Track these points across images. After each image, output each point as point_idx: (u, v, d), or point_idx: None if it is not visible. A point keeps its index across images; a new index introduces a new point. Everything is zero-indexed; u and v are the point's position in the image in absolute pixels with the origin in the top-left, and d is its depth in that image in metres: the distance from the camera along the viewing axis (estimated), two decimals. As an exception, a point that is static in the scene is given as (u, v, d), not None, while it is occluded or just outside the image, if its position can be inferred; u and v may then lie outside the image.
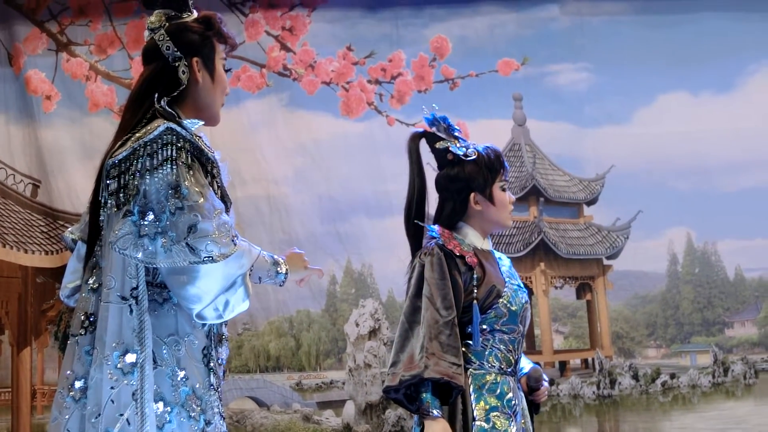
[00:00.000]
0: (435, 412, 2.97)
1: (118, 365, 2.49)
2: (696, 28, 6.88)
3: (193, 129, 2.66)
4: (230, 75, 2.95)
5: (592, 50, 6.95)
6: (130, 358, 2.50)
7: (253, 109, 6.98)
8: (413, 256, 3.25)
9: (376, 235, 6.66)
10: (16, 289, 6.66)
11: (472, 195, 3.24)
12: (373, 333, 6.85)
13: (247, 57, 6.99)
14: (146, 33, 2.85)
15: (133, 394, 2.49)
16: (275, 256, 2.76)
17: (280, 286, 2.80)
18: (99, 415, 2.48)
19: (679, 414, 6.74)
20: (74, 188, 6.77)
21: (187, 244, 2.49)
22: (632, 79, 6.88)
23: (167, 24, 2.81)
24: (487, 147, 3.31)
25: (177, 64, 2.77)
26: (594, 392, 6.78)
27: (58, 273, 6.52)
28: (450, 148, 3.26)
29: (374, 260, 6.91)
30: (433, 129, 3.30)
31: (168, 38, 2.78)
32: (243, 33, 6.99)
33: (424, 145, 3.31)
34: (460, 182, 3.25)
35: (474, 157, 3.26)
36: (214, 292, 2.54)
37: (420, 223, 3.24)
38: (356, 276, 7.00)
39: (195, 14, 2.89)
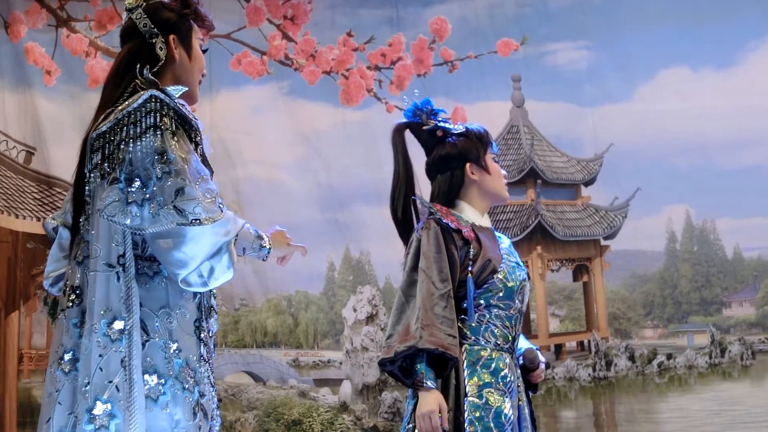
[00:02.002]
0: (429, 383, 2.98)
1: (106, 333, 2.52)
2: (696, 3, 6.79)
3: (176, 96, 2.70)
4: (206, 55, 2.99)
5: (592, 28, 6.90)
6: (118, 325, 2.53)
7: (254, 94, 7.02)
8: (404, 241, 3.27)
9: (375, 223, 6.64)
10: (6, 253, 6.69)
11: (468, 165, 3.27)
12: (370, 319, 6.87)
13: (248, 42, 6.99)
14: (124, 15, 2.89)
15: (122, 361, 2.51)
16: (259, 231, 2.78)
17: (263, 260, 2.82)
18: (89, 383, 2.50)
19: (676, 395, 6.70)
20: (72, 161, 6.78)
21: (174, 206, 2.52)
22: (632, 56, 6.82)
23: (144, 3, 2.85)
24: (474, 124, 3.37)
25: (154, 41, 2.81)
26: (590, 374, 6.74)
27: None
28: (438, 125, 3.30)
29: (372, 247, 6.95)
30: (416, 120, 3.33)
31: (145, 16, 2.83)
32: (245, 19, 7.01)
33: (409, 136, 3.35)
34: (454, 156, 3.27)
35: (463, 130, 3.31)
36: (199, 258, 2.56)
37: (417, 198, 3.26)
38: (354, 263, 7.03)
39: None
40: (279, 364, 7.03)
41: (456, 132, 3.30)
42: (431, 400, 2.97)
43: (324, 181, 6.97)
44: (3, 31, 6.99)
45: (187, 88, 2.79)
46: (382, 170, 6.48)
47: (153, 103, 2.61)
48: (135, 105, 2.61)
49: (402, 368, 3.04)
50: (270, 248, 2.79)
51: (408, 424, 3.10)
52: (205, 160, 2.77)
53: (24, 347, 6.88)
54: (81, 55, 7.03)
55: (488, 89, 6.95)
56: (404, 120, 3.34)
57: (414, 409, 3.04)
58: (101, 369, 2.49)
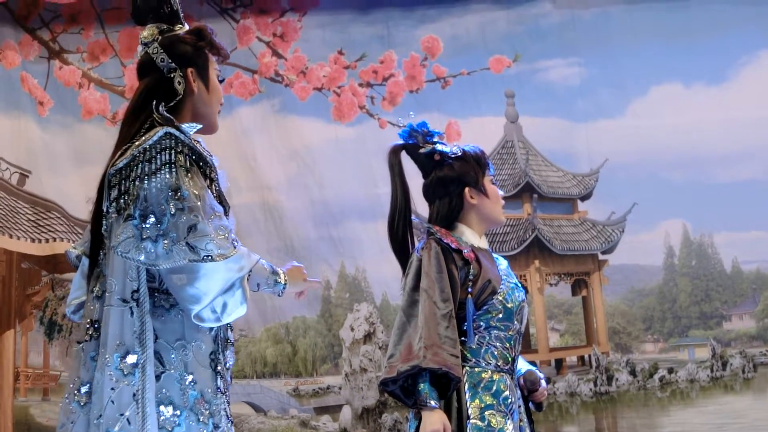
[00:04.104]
0: (433, 402, 2.94)
1: (119, 366, 2.52)
2: (687, 19, 6.83)
3: (191, 133, 2.71)
4: (223, 85, 3.00)
5: (584, 44, 6.94)
6: (131, 359, 2.53)
7: (245, 116, 7.01)
8: (402, 264, 3.25)
9: (369, 239, 6.65)
10: (0, 272, 6.69)
11: (467, 190, 3.24)
12: (368, 337, 6.84)
13: (239, 63, 6.99)
14: (139, 48, 2.89)
15: (134, 395, 2.51)
16: (275, 267, 2.77)
17: (279, 296, 2.80)
18: (101, 416, 2.50)
19: (678, 409, 6.69)
20: (66, 192, 6.80)
21: (187, 243, 2.53)
22: (625, 72, 6.86)
23: (160, 37, 2.85)
24: (471, 145, 3.34)
25: (172, 75, 2.81)
26: (591, 389, 6.74)
27: (45, 261, 6.57)
28: (436, 149, 3.27)
29: (368, 264, 6.92)
30: (411, 141, 3.31)
31: (162, 50, 2.83)
32: (235, 39, 7.00)
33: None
34: (453, 180, 3.24)
35: (460, 153, 3.27)
36: (212, 294, 2.56)
37: (417, 219, 3.25)
38: (350, 280, 7.01)
39: (186, 27, 2.93)
40: (279, 394, 7.00)
41: (454, 155, 3.27)
42: (435, 420, 2.94)
43: (317, 197, 6.96)
44: (-4, 60, 7.01)
45: (201, 126, 2.80)
46: (376, 186, 6.57)
47: (168, 140, 2.63)
48: (150, 142, 2.63)
49: (403, 388, 3.01)
50: (285, 283, 2.77)
51: None
52: (221, 196, 2.79)
53: (20, 366, 6.88)
54: (74, 87, 7.03)
55: (481, 105, 6.96)
56: (400, 142, 3.32)
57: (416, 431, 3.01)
58: (113, 402, 2.50)
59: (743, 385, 6.67)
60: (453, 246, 3.13)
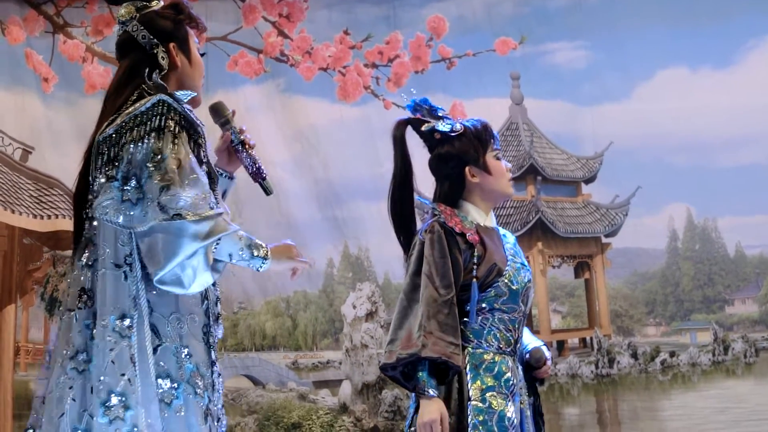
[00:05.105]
0: (431, 391, 2.94)
1: (116, 329, 2.53)
2: (694, 2, 6.81)
3: (185, 100, 2.70)
4: (204, 58, 2.98)
5: (590, 27, 6.92)
6: (127, 322, 2.54)
7: (250, 95, 7.00)
8: (400, 238, 3.22)
9: (373, 219, 6.64)
10: (2, 246, 6.69)
11: (467, 168, 3.19)
12: (370, 315, 6.85)
13: (244, 42, 6.98)
14: (116, 27, 2.88)
15: (131, 357, 2.52)
16: (256, 240, 2.70)
17: (257, 270, 2.71)
18: (102, 378, 2.51)
19: (679, 393, 6.70)
20: (69, 169, 6.76)
21: (158, 202, 2.51)
22: (630, 55, 6.83)
23: (138, 14, 2.84)
24: (474, 120, 3.28)
25: (155, 51, 2.80)
26: (592, 371, 6.75)
27: (46, 237, 6.56)
28: (435, 127, 3.23)
29: (371, 244, 6.93)
30: (417, 115, 3.28)
31: (142, 27, 2.82)
32: (240, 18, 6.99)
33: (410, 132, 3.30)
34: (452, 159, 3.20)
35: (461, 131, 3.22)
36: (175, 258, 2.53)
37: (421, 199, 3.22)
38: (353, 260, 7.02)
39: (161, 2, 2.92)
40: (278, 367, 7.01)
41: (454, 133, 3.22)
42: (433, 409, 2.93)
43: (322, 178, 6.97)
44: (1, 36, 6.97)
45: (195, 93, 2.80)
46: (381, 166, 6.48)
47: (160, 107, 2.62)
48: (142, 109, 2.62)
49: (404, 373, 3.01)
50: (265, 257, 2.69)
51: (409, 428, 3.07)
52: (209, 165, 2.77)
53: (21, 341, 6.91)
54: (78, 61, 7.01)
55: (486, 86, 6.95)
56: (404, 117, 3.28)
57: (415, 413, 3.01)
58: (113, 363, 2.51)
59: (745, 369, 6.68)
60: (456, 230, 3.09)
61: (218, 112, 2.97)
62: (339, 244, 6.99)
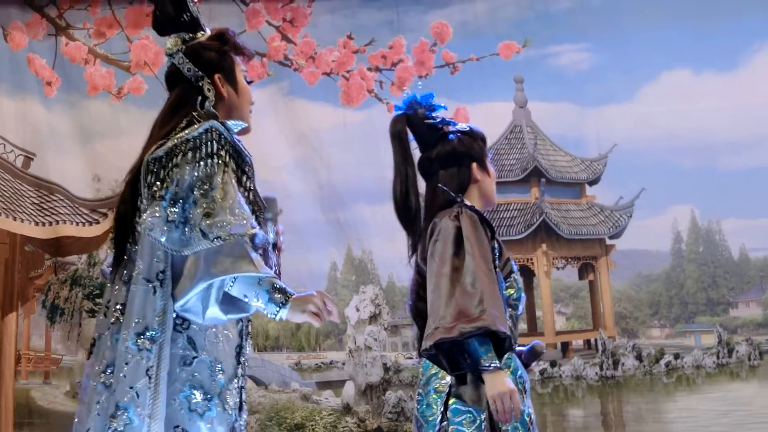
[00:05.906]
0: (497, 363, 2.79)
1: (135, 341, 2.54)
2: (698, 4, 6.80)
3: (236, 131, 2.74)
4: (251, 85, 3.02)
5: (594, 29, 6.91)
6: (149, 335, 2.55)
7: (254, 98, 6.95)
8: (415, 238, 3.14)
9: (376, 222, 6.62)
10: (3, 254, 6.66)
11: (474, 165, 3.17)
12: (373, 318, 6.84)
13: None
14: (165, 59, 2.91)
15: (147, 371, 2.52)
16: (283, 285, 2.61)
17: (272, 317, 2.65)
18: (114, 391, 2.54)
19: (683, 395, 6.68)
20: (71, 172, 6.79)
21: (200, 229, 2.53)
22: (634, 57, 6.81)
23: (183, 47, 2.87)
24: (467, 124, 3.26)
25: (201, 83, 2.82)
26: (597, 373, 6.73)
27: (48, 244, 6.54)
28: (446, 120, 3.20)
29: (374, 247, 6.91)
30: (411, 112, 3.19)
31: (187, 60, 2.85)
32: (244, 22, 6.98)
33: None
34: (462, 154, 3.16)
35: (467, 129, 3.21)
36: (193, 289, 2.56)
37: (444, 188, 3.10)
38: (357, 263, 7.01)
39: (208, 32, 2.93)
40: (281, 367, 7.00)
41: (462, 129, 3.20)
42: (506, 380, 2.80)
43: (325, 181, 6.95)
44: (3, 42, 6.96)
45: (246, 124, 2.84)
46: (384, 169, 6.45)
47: (211, 134, 2.65)
48: (194, 134, 2.65)
49: (450, 351, 2.84)
50: (282, 306, 2.60)
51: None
52: (256, 196, 2.79)
53: (22, 349, 6.88)
54: (80, 63, 7.00)
55: (490, 90, 6.93)
56: (401, 112, 3.19)
57: (445, 410, 2.91)
58: (125, 376, 2.52)
59: (749, 372, 6.66)
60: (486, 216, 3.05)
61: (271, 206, 2.94)
62: (342, 247, 6.99)
